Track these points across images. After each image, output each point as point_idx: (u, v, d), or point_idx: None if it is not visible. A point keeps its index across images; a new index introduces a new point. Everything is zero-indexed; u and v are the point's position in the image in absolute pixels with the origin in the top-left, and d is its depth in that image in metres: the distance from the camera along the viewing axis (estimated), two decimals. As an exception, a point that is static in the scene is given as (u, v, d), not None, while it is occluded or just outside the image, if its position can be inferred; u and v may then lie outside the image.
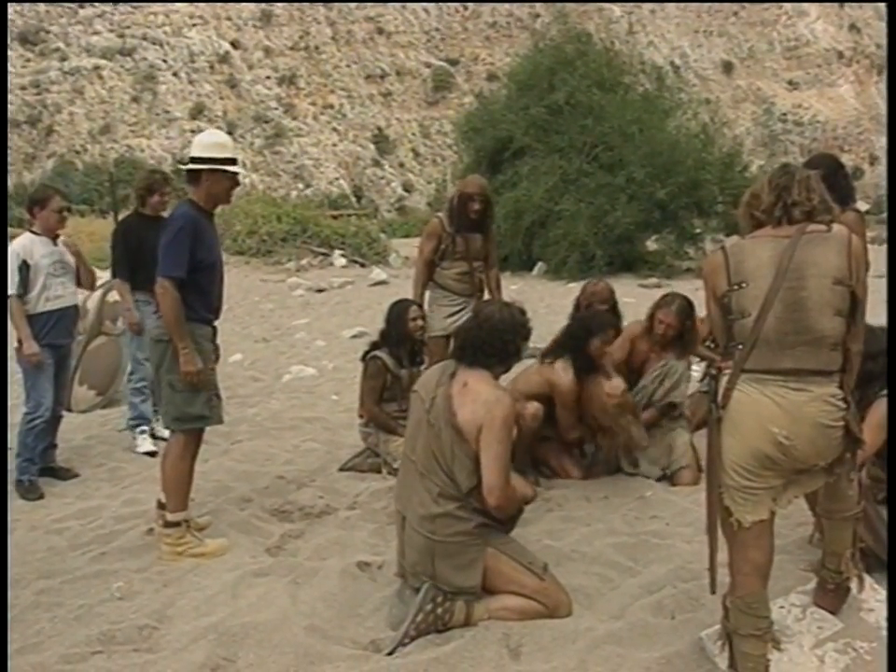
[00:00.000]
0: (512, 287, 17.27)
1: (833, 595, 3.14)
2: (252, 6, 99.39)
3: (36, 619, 3.60)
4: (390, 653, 3.21)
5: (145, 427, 6.32)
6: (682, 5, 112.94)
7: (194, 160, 4.23)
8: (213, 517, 4.70)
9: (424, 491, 3.38)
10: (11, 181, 62.97)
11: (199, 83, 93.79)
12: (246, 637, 3.29)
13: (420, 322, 5.54)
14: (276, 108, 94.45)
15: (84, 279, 5.80)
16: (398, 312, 5.53)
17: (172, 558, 4.18)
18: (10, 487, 5.32)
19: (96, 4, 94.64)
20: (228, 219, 22.48)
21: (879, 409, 3.50)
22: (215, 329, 4.48)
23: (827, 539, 3.15)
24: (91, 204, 44.76)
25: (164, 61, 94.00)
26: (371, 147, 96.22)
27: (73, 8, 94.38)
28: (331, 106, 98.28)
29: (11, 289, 5.26)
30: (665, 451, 5.27)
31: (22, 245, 5.38)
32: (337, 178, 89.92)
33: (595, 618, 3.43)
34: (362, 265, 22.76)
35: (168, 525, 4.25)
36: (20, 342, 5.29)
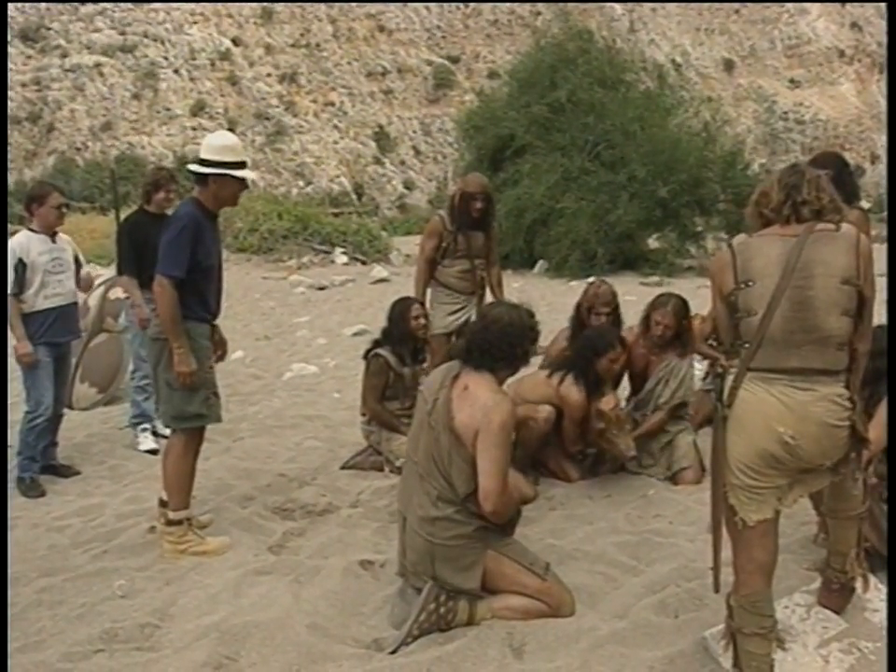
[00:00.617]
0: (514, 286, 17.24)
1: (837, 595, 3.13)
2: (253, 3, 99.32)
3: (38, 617, 3.60)
4: (393, 652, 3.21)
5: (147, 425, 6.32)
6: (683, 2, 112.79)
7: (203, 162, 4.20)
8: (214, 515, 4.70)
9: (423, 494, 3.37)
10: (12, 178, 62.99)
11: (200, 80, 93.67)
12: (249, 636, 3.29)
13: (422, 321, 5.52)
14: (277, 106, 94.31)
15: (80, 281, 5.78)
16: (400, 310, 5.52)
17: (174, 556, 4.18)
18: (11, 485, 5.31)
19: (98, 1, 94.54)
20: (229, 217, 22.45)
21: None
22: (214, 326, 4.47)
23: (832, 539, 3.14)
24: (92, 202, 44.74)
25: (165, 58, 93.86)
26: (372, 144, 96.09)
27: (74, 6, 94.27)
28: (332, 104, 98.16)
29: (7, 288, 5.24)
30: (667, 451, 5.26)
31: (19, 242, 5.35)
32: (338, 176, 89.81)
33: (598, 617, 3.42)
34: (363, 263, 22.75)
35: (170, 523, 4.24)
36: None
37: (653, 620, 3.36)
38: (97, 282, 8.31)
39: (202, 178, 4.23)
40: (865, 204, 4.76)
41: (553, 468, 5.24)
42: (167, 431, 6.30)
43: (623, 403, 5.37)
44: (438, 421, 3.34)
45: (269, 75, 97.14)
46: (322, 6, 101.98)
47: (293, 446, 6.18)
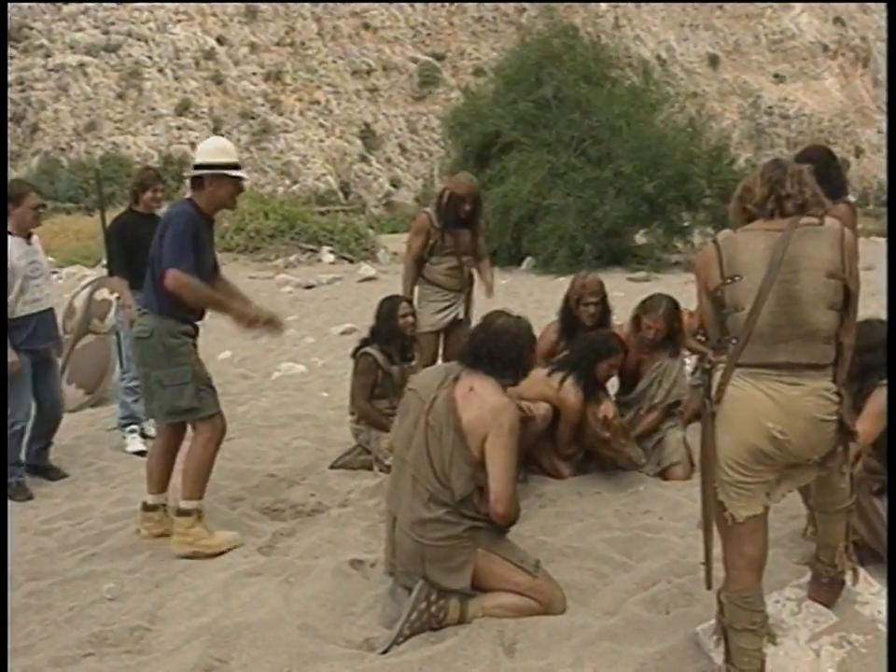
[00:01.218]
0: (502, 282, 17.20)
1: (827, 589, 3.14)
2: (238, 2, 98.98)
3: (26, 621, 3.57)
4: (384, 652, 3.20)
5: (135, 427, 6.28)
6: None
7: (197, 167, 4.26)
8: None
9: (414, 495, 3.36)
10: (-4, 179, 62.40)
11: (184, 80, 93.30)
12: (239, 638, 3.27)
13: (410, 319, 5.51)
14: (262, 104, 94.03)
15: None
16: (388, 308, 5.50)
17: (180, 548, 4.16)
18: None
19: (81, 0, 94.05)
20: (216, 216, 22.39)
21: (878, 399, 3.50)
22: (196, 328, 4.44)
23: (820, 533, 3.14)
24: (77, 202, 44.53)
25: (149, 57, 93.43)
26: (358, 142, 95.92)
27: (57, 5, 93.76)
28: (318, 102, 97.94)
29: None
30: (657, 447, 5.26)
31: None
32: (324, 174, 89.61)
33: (589, 614, 3.42)
34: (350, 261, 22.71)
35: (180, 512, 4.23)
36: None
37: (645, 616, 3.36)
38: (83, 283, 8.27)
39: (197, 182, 4.26)
40: (851, 198, 4.77)
41: (544, 465, 5.23)
42: (152, 432, 6.32)
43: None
44: (439, 420, 3.34)
45: (254, 73, 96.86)
46: (306, 3, 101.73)
47: (282, 446, 6.16)
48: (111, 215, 6.70)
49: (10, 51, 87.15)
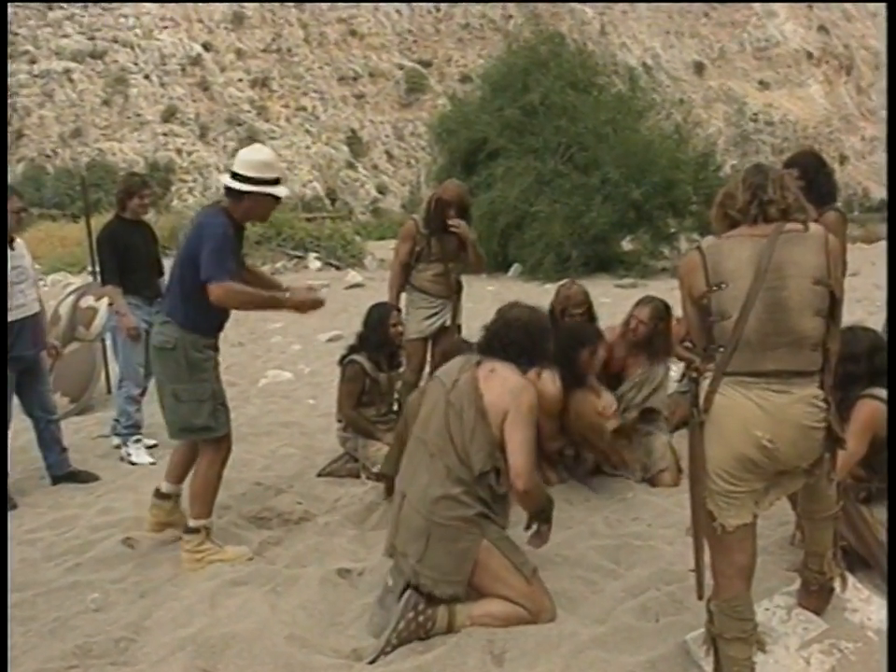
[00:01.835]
0: (489, 289, 17.28)
1: (816, 596, 3.13)
2: (224, 7, 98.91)
3: (9, 633, 3.52)
4: (372, 662, 3.17)
5: (140, 436, 6.20)
6: (654, 6, 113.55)
7: (236, 176, 4.03)
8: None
9: (432, 471, 3.38)
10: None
11: (170, 86, 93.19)
12: (226, 648, 3.24)
13: (400, 328, 5.50)
14: (249, 111, 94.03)
15: None
16: (379, 316, 5.46)
17: (191, 565, 4.10)
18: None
19: (65, 6, 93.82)
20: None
21: (860, 415, 3.48)
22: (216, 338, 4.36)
23: (808, 540, 3.13)
24: (62, 209, 44.33)
25: (135, 63, 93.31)
26: (345, 149, 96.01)
27: (42, 10, 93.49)
28: (304, 109, 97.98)
29: None
30: (644, 453, 5.26)
31: None
32: (311, 181, 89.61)
33: (578, 622, 3.39)
34: (337, 268, 22.70)
35: (189, 530, 4.18)
36: None
37: (634, 624, 3.34)
38: (67, 290, 8.22)
39: (235, 193, 4.05)
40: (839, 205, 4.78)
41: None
42: (150, 442, 6.27)
43: None
44: (461, 398, 3.40)
45: (240, 80, 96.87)
46: (293, 10, 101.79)
47: (269, 454, 6.13)
48: (97, 221, 6.67)
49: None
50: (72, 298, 7.65)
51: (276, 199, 4.17)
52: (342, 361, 5.55)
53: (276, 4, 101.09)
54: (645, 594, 3.61)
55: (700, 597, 2.85)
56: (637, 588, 3.68)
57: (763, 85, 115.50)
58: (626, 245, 23.66)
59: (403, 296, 5.89)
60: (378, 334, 5.42)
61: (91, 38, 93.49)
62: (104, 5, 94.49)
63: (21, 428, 6.30)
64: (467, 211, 5.80)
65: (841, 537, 3.21)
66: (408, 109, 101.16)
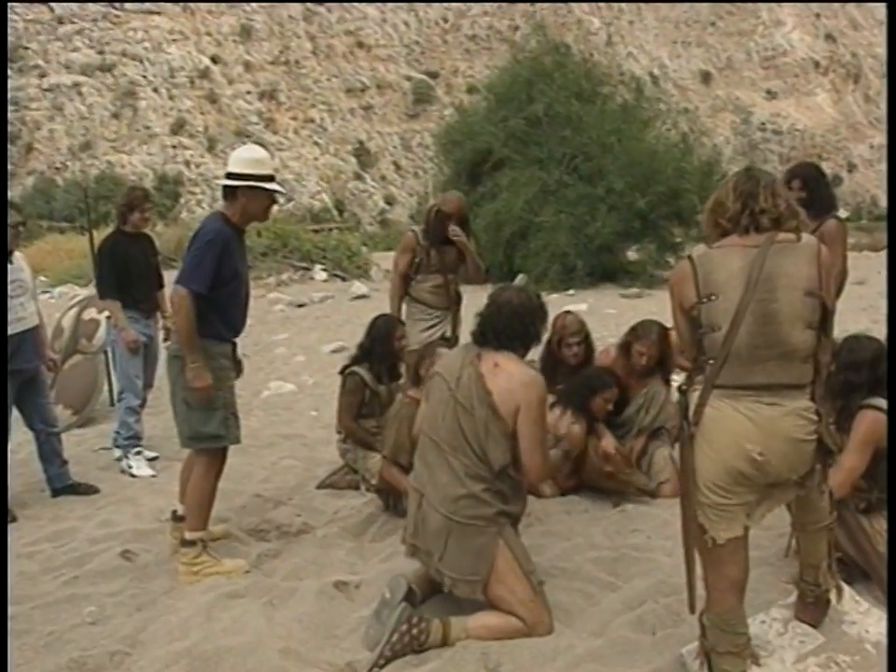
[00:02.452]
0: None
1: (813, 608, 3.11)
2: (232, 20, 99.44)
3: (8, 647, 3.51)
4: (366, 676, 3.15)
5: (140, 448, 6.20)
6: (661, 15, 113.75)
7: (230, 175, 4.09)
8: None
9: (449, 470, 3.39)
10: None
11: (179, 98, 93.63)
12: (221, 662, 3.22)
13: (404, 342, 5.49)
14: (257, 123, 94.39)
15: None
16: (385, 329, 5.43)
17: (187, 578, 4.09)
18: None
19: (75, 20, 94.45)
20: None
21: (861, 427, 3.45)
22: (234, 344, 4.36)
23: (803, 552, 3.11)
24: (72, 221, 44.47)
25: (144, 76, 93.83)
26: (353, 160, 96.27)
27: (52, 25, 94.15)
28: (312, 120, 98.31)
29: None
30: (645, 466, 5.24)
31: None
32: (319, 192, 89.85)
33: (575, 635, 3.37)
34: (343, 279, 22.68)
35: (185, 543, 4.16)
36: None
37: (631, 637, 3.32)
38: (71, 302, 8.24)
39: (230, 192, 4.11)
40: (843, 213, 4.78)
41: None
42: (150, 454, 6.27)
43: None
44: (469, 398, 3.39)
45: (248, 92, 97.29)
46: (301, 22, 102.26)
47: (269, 466, 6.12)
48: (103, 235, 6.68)
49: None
50: (75, 310, 7.69)
51: (272, 197, 4.21)
52: (342, 372, 5.54)
53: (284, 16, 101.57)
54: (642, 606, 3.58)
55: (692, 611, 2.83)
56: (635, 600, 3.65)
57: (771, 94, 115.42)
58: (632, 254, 23.58)
59: (404, 307, 5.88)
60: (383, 346, 5.40)
61: (101, 52, 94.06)
62: (113, 19, 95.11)
63: (22, 441, 6.32)
64: (466, 222, 5.80)
65: (840, 548, 3.18)
66: (415, 120, 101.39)
